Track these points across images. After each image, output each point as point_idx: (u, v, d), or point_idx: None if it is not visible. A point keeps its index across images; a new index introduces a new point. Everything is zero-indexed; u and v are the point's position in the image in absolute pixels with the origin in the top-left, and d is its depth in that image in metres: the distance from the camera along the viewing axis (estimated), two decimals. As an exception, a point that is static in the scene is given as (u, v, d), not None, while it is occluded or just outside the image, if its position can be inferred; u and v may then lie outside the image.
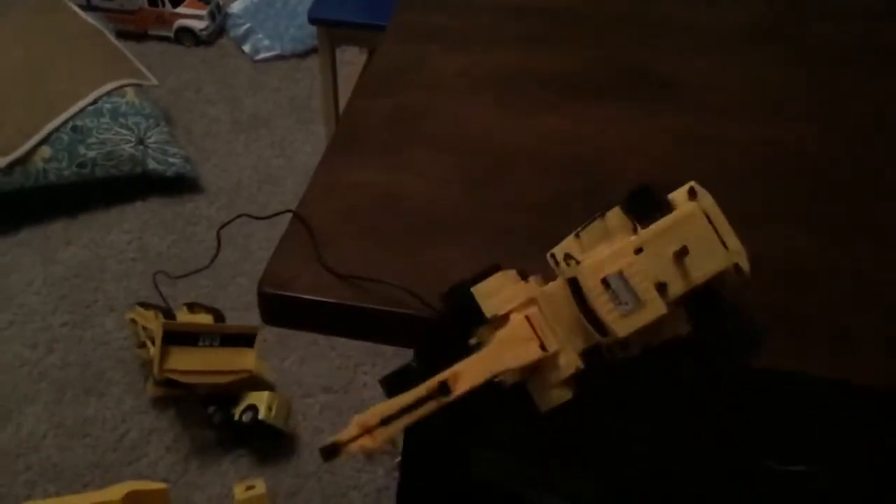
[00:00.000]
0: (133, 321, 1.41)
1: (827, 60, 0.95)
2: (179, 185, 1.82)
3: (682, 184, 0.78)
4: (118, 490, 1.11)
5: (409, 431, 1.09)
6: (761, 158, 0.83)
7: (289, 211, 0.73)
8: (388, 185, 0.80)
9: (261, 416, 1.23)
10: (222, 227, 0.86)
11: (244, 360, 1.26)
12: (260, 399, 1.26)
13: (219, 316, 1.36)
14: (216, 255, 1.08)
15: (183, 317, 1.35)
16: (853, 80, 0.92)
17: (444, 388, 0.58)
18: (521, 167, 0.82)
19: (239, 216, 0.94)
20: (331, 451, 0.57)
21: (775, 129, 0.86)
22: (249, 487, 1.19)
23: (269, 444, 1.32)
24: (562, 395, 0.61)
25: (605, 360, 0.61)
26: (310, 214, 0.77)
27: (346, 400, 1.39)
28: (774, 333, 0.65)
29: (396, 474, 1.27)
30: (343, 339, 1.48)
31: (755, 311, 0.66)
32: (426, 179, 0.80)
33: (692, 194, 0.61)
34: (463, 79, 0.93)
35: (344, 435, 0.57)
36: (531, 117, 0.88)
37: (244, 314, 1.54)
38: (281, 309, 0.71)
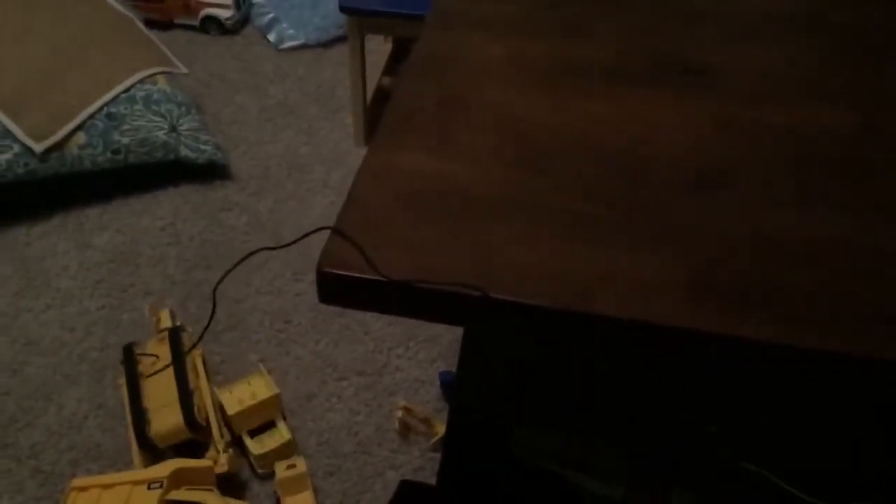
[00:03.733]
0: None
1: (866, 48, 0.97)
2: (210, 172, 1.85)
3: (722, 168, 0.80)
4: (165, 467, 1.14)
5: (453, 412, 1.12)
6: (799, 143, 0.84)
7: (322, 228, 0.73)
8: (437, 168, 0.82)
9: None
10: (218, 283, 0.84)
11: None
12: None
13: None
14: (212, 316, 1.02)
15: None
16: (892, 66, 0.94)
17: None
18: (564, 152, 0.84)
19: (259, 250, 0.95)
20: None
21: (814, 115, 0.88)
22: (290, 466, 1.22)
23: (306, 425, 1.35)
24: None
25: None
26: (362, 197, 0.79)
27: (381, 382, 1.41)
28: (819, 315, 0.67)
29: (432, 455, 1.29)
30: (376, 324, 1.50)
31: (795, 292, 0.68)
32: (473, 163, 0.82)
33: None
34: (505, 65, 0.95)
35: None
36: (573, 103, 0.90)
37: (275, 298, 1.56)
38: (338, 288, 0.73)
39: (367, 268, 0.72)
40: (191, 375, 1.30)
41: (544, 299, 0.69)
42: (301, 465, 1.22)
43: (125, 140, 1.72)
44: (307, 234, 0.76)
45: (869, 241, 0.73)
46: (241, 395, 1.28)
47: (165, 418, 1.24)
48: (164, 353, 1.33)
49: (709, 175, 0.80)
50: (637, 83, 0.93)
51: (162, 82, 1.85)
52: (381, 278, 0.71)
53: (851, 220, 0.75)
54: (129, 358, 1.34)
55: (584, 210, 0.77)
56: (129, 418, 1.28)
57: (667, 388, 0.87)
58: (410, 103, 0.90)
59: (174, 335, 1.36)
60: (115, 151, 1.72)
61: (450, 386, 1.37)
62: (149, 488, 1.11)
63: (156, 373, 1.30)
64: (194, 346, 1.32)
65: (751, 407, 0.91)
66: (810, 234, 0.74)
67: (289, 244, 0.80)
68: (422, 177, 0.81)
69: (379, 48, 2.19)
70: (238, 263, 0.90)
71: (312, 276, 1.60)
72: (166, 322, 1.40)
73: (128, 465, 1.28)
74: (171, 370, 1.30)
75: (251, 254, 0.87)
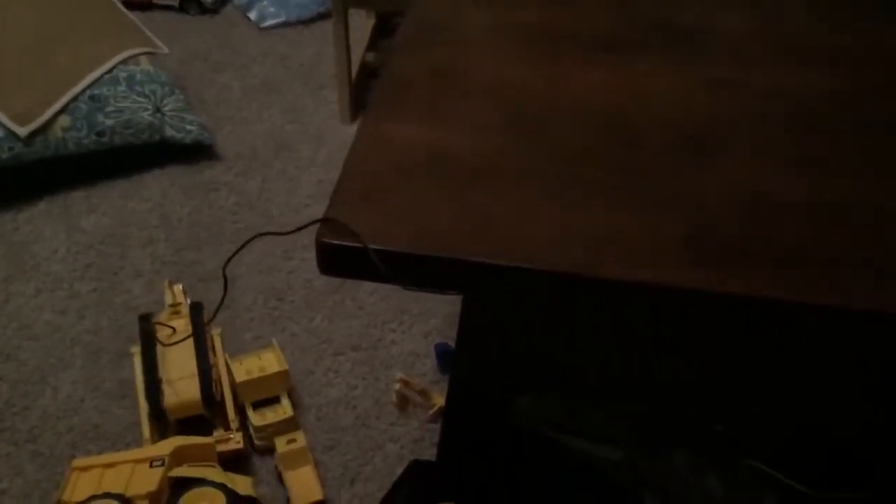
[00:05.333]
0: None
1: (849, 5, 0.97)
2: (196, 153, 1.84)
3: (715, 130, 0.80)
4: (166, 445, 1.15)
5: (452, 381, 1.13)
6: (788, 104, 0.85)
7: (316, 222, 0.73)
8: (432, 137, 0.82)
9: None
10: (228, 261, 0.82)
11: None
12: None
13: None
14: (224, 296, 1.04)
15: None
16: (875, 24, 0.95)
17: None
18: (557, 118, 0.84)
19: (258, 235, 0.95)
20: None
21: (801, 76, 0.89)
22: (290, 441, 1.22)
23: (304, 401, 1.35)
24: None
25: None
26: (358, 168, 0.79)
27: (377, 357, 1.42)
28: (808, 269, 0.68)
29: (430, 426, 1.30)
30: (370, 299, 1.51)
31: (794, 249, 0.69)
32: (468, 131, 0.83)
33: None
34: (495, 34, 0.95)
35: None
36: (565, 71, 0.90)
37: (267, 276, 1.56)
38: (338, 259, 0.73)
39: (368, 237, 0.72)
40: (209, 353, 1.31)
41: (545, 263, 0.70)
42: (301, 439, 1.23)
43: (109, 122, 1.71)
44: (306, 226, 0.76)
45: (862, 198, 0.74)
46: (250, 367, 1.29)
47: (181, 390, 1.24)
48: (180, 326, 1.34)
49: (702, 138, 0.81)
50: (626, 49, 0.93)
51: (144, 63, 1.83)
52: (381, 248, 0.71)
53: (844, 177, 0.77)
54: (146, 328, 1.34)
55: (580, 175, 0.78)
56: (140, 388, 1.28)
57: (667, 350, 0.88)
58: (402, 74, 0.90)
59: (195, 309, 1.37)
60: (100, 133, 1.71)
61: (446, 358, 1.38)
62: (151, 466, 1.11)
63: (176, 343, 1.30)
64: (211, 319, 1.33)
65: (749, 380, 0.92)
66: (805, 193, 0.75)
67: (292, 231, 0.80)
68: (417, 146, 0.81)
69: (361, 25, 2.17)
70: (242, 246, 0.90)
71: (303, 254, 1.61)
72: (179, 297, 1.40)
73: (128, 446, 1.28)
74: (189, 344, 1.30)
75: (255, 236, 0.87)
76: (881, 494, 1.09)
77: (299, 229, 0.79)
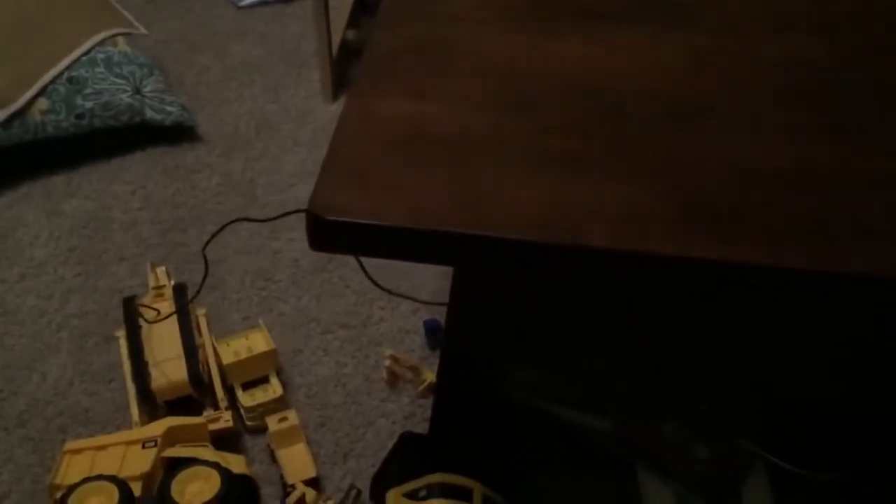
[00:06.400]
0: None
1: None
2: (178, 135, 1.82)
3: (702, 100, 0.81)
4: (159, 426, 1.15)
5: (444, 355, 1.14)
6: (775, 73, 0.86)
7: (298, 211, 0.73)
8: (418, 111, 0.82)
9: None
10: (207, 243, 0.81)
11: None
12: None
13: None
14: (205, 276, 1.03)
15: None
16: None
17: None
18: (545, 91, 0.84)
19: (235, 220, 0.93)
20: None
21: (786, 44, 0.90)
22: (282, 419, 1.23)
23: (294, 379, 1.36)
24: None
25: None
26: (346, 144, 0.79)
27: (365, 334, 1.42)
28: (798, 234, 0.69)
29: (421, 402, 1.31)
30: (356, 277, 1.51)
31: (781, 215, 0.70)
32: (454, 105, 0.83)
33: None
34: (479, 7, 0.95)
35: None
36: (549, 43, 0.90)
37: (254, 257, 1.56)
38: (329, 233, 0.74)
39: (358, 212, 0.72)
40: (195, 334, 1.31)
41: (534, 235, 0.70)
42: (293, 417, 1.24)
43: (89, 104, 1.69)
44: (284, 215, 0.76)
45: (851, 164, 0.75)
46: (238, 348, 1.29)
47: (168, 372, 1.24)
48: (164, 308, 1.33)
49: (689, 107, 0.81)
50: (611, 21, 0.93)
51: (122, 44, 1.81)
52: (372, 222, 0.71)
53: (831, 144, 0.77)
54: (130, 311, 1.33)
55: (568, 147, 0.78)
56: (128, 372, 1.27)
57: (658, 320, 0.89)
58: (386, 49, 0.90)
59: (179, 290, 1.36)
60: (79, 116, 1.69)
61: (435, 334, 1.38)
62: (143, 447, 1.11)
63: (159, 320, 1.30)
64: (192, 299, 1.32)
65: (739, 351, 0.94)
66: (792, 160, 0.76)
67: (272, 219, 0.80)
68: (403, 121, 0.81)
69: (340, 3, 2.15)
70: (220, 230, 0.90)
71: (290, 234, 1.60)
72: (163, 279, 1.40)
73: (118, 428, 1.28)
74: (174, 326, 1.30)
75: (232, 221, 0.87)
76: (869, 475, 1.12)
77: (280, 216, 0.78)
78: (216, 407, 1.26)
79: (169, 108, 1.78)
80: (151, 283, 1.40)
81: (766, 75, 0.85)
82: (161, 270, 1.43)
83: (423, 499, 1.00)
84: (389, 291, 1.36)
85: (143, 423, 1.23)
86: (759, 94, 0.83)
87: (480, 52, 0.88)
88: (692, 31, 0.91)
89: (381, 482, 1.10)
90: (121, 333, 1.34)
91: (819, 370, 0.92)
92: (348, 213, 0.72)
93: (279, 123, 1.88)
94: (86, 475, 1.08)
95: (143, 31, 1.91)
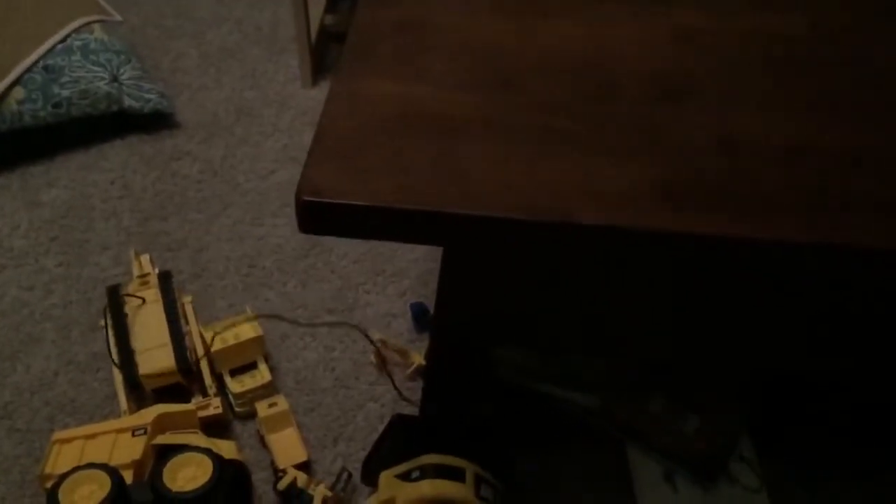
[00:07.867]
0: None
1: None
2: (156, 122, 1.80)
3: (687, 78, 0.81)
4: (148, 413, 1.14)
5: (433, 337, 1.14)
6: (756, 49, 0.87)
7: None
8: (404, 92, 0.82)
9: None
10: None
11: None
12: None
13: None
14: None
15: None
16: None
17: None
18: (529, 70, 0.85)
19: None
20: None
21: (767, 21, 0.90)
22: (272, 405, 1.23)
23: (282, 365, 1.36)
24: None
25: None
26: (332, 126, 0.79)
27: (352, 318, 1.42)
28: (784, 207, 0.70)
29: (410, 385, 1.32)
30: (342, 262, 1.51)
31: (767, 189, 0.71)
32: (439, 85, 0.83)
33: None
34: (463, -13, 0.94)
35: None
36: (534, 23, 0.90)
37: (237, 244, 1.55)
38: (319, 216, 0.74)
39: (347, 194, 0.72)
40: (181, 321, 1.31)
41: (522, 213, 0.71)
42: (282, 402, 1.24)
43: (65, 93, 1.67)
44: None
45: (837, 140, 0.76)
46: (225, 335, 1.28)
47: (155, 360, 1.24)
48: (149, 296, 1.32)
49: (674, 85, 0.82)
50: (597, 0, 0.93)
51: (98, 31, 1.79)
52: (362, 203, 0.72)
53: (817, 120, 0.78)
54: (114, 299, 1.33)
55: (554, 125, 0.79)
56: (115, 361, 1.27)
57: (647, 297, 0.90)
58: (370, 30, 0.89)
59: (164, 277, 1.36)
60: (56, 105, 1.67)
61: (422, 317, 1.39)
62: (133, 435, 1.11)
63: (144, 305, 1.30)
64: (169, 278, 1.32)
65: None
66: (778, 135, 0.76)
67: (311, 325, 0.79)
68: (389, 102, 0.81)
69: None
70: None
71: (273, 220, 1.60)
72: (147, 267, 1.39)
73: (105, 417, 1.27)
74: (160, 314, 1.29)
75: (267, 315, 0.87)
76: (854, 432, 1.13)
77: (318, 324, 0.78)
78: (204, 394, 1.26)
79: (147, 96, 1.76)
80: (136, 271, 1.39)
81: (748, 52, 0.86)
82: (145, 258, 1.42)
83: (416, 479, 1.00)
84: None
85: (132, 411, 1.22)
86: (742, 71, 0.84)
87: (463, 33, 0.88)
88: (677, 10, 0.91)
89: (373, 464, 1.10)
90: (106, 322, 1.33)
91: (804, 343, 0.93)
92: (337, 194, 0.72)
93: (258, 109, 1.87)
94: (76, 464, 1.07)
95: (118, 18, 1.88)
